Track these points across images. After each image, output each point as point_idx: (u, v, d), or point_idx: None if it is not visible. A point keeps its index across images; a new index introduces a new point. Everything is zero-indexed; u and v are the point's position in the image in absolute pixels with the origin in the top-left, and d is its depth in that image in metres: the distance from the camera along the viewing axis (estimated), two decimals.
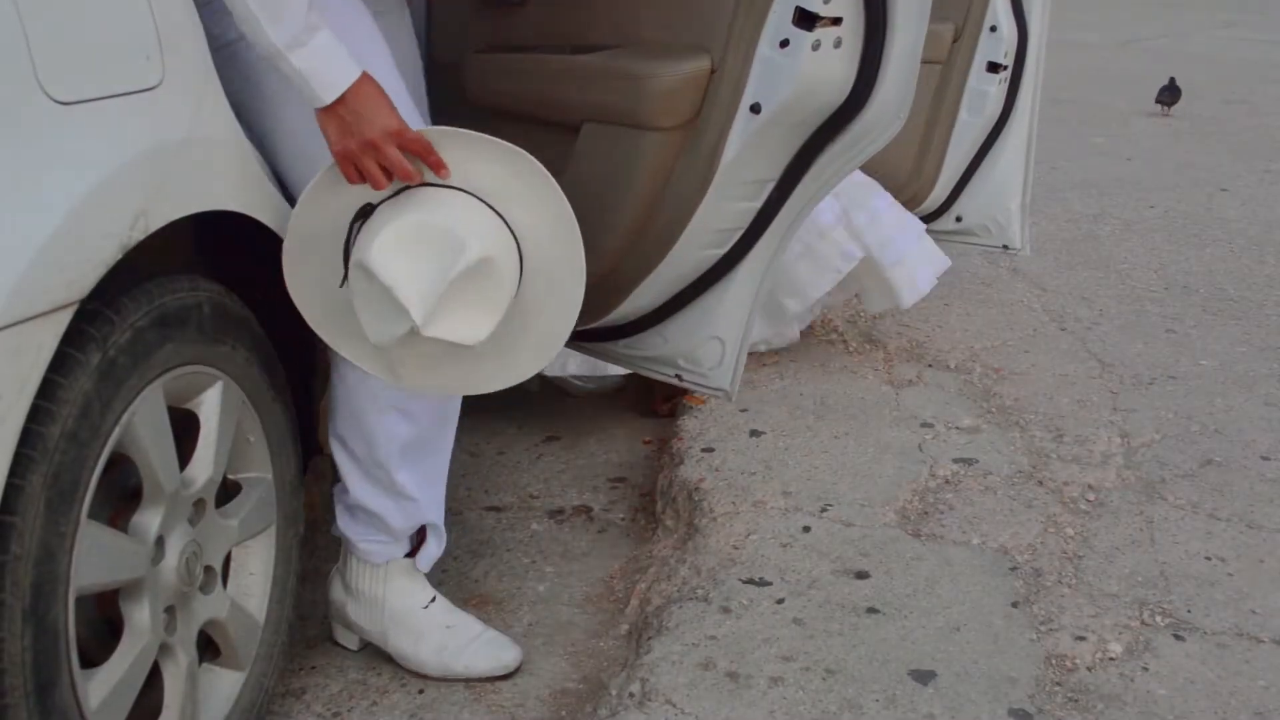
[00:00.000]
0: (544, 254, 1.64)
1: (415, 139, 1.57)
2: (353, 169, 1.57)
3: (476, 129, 1.61)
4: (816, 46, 1.77)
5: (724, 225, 1.98)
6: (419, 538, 1.97)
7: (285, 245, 1.63)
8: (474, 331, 1.58)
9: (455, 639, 1.95)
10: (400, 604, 1.94)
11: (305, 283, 1.66)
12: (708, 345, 2.09)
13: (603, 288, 2.04)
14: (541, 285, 1.65)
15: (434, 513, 1.94)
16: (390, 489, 1.86)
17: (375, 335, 1.57)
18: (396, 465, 1.84)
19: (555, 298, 1.66)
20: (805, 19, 1.77)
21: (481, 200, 1.61)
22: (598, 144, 1.91)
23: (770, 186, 1.95)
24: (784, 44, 1.79)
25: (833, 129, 1.85)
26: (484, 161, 1.60)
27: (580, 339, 2.23)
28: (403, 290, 1.52)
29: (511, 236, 1.62)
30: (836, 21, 1.76)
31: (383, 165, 1.56)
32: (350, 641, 2.02)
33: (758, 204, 1.96)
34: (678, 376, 2.17)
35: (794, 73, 1.79)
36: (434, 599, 1.97)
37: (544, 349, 1.71)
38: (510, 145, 1.60)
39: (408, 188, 1.60)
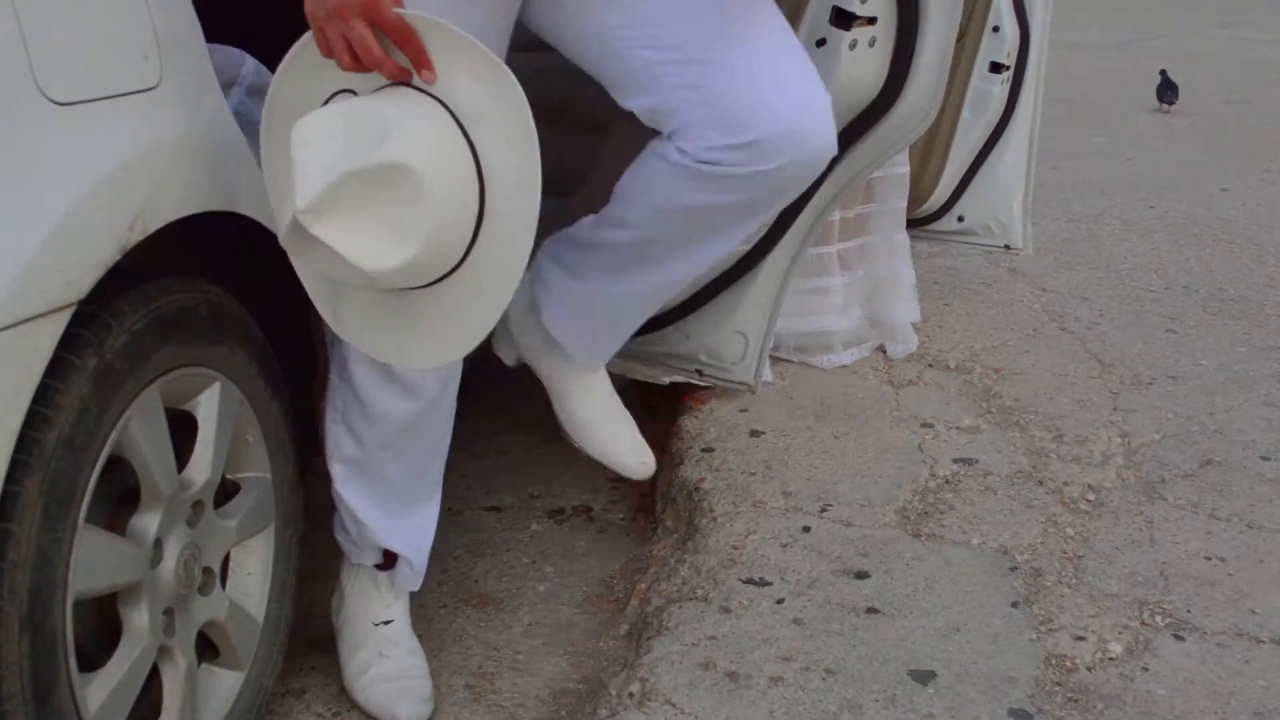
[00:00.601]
0: (508, 208, 1.40)
1: (393, 20, 1.36)
2: (323, 38, 1.40)
3: None
4: (853, 46, 1.79)
5: None
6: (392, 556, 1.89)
7: (262, 125, 1.48)
8: (372, 255, 1.32)
9: (379, 669, 1.85)
10: (356, 608, 1.91)
11: (278, 173, 1.47)
12: (731, 340, 2.10)
13: None
14: (497, 247, 1.41)
15: (397, 542, 1.86)
16: (338, 498, 1.84)
17: (282, 228, 1.37)
18: (340, 478, 1.81)
19: (503, 262, 1.42)
20: (842, 19, 1.78)
21: (457, 122, 1.38)
22: (631, 142, 1.92)
23: None
24: (821, 43, 1.81)
25: (863, 125, 1.86)
26: (473, 78, 1.38)
27: None
28: (299, 169, 1.31)
29: (476, 175, 1.39)
30: (871, 21, 1.78)
31: (351, 42, 1.37)
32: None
33: None
34: (698, 372, 2.17)
35: (831, 72, 1.80)
36: (390, 622, 1.90)
37: (482, 321, 1.46)
38: (504, 66, 1.39)
39: (397, 84, 1.41)
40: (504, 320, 1.84)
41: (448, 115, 1.38)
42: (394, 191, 1.31)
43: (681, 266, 1.79)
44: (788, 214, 1.99)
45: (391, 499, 1.83)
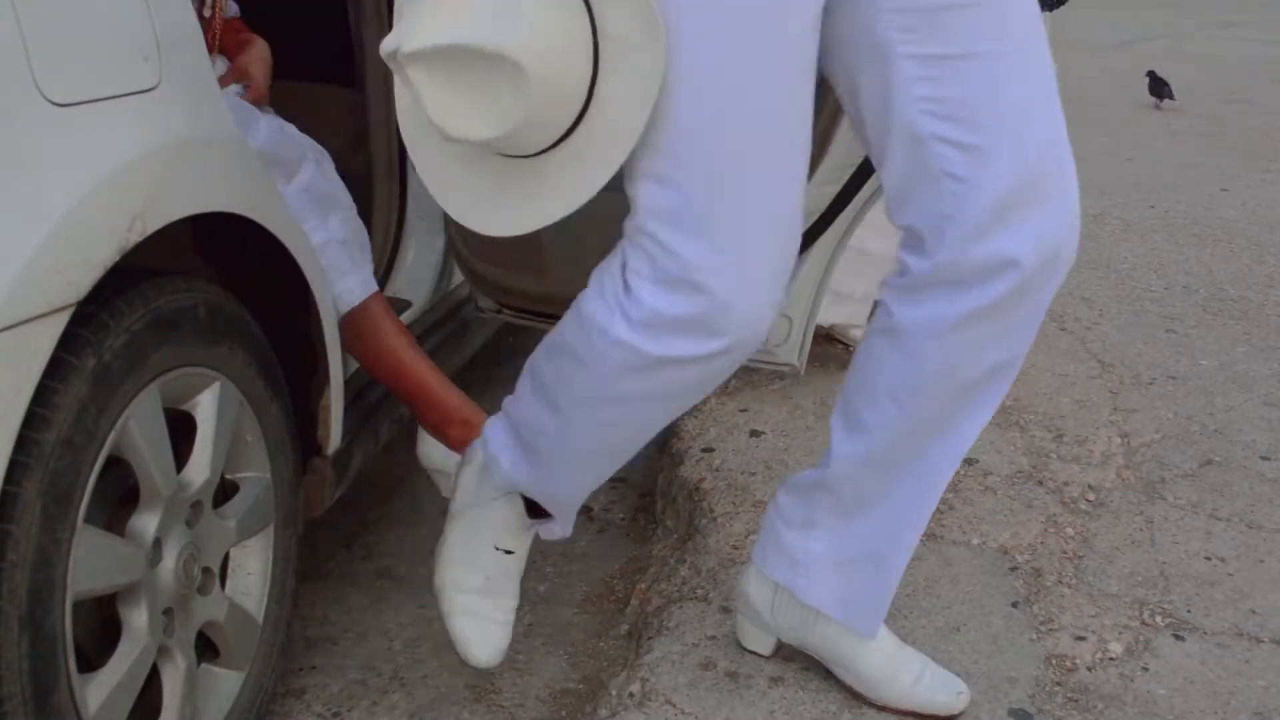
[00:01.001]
0: (607, 124, 1.38)
1: None
2: None
3: None
4: None
5: (809, 208, 2.01)
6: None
7: None
8: (452, 119, 1.33)
9: (475, 598, 1.75)
10: (486, 522, 1.76)
11: None
12: (776, 323, 2.12)
13: None
14: (572, 164, 1.41)
15: (558, 510, 1.73)
16: (509, 432, 1.71)
17: (387, 41, 1.35)
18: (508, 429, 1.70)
19: (585, 168, 1.41)
20: None
21: (594, 32, 1.36)
22: None
23: (851, 170, 2.00)
24: None
25: None
26: (631, 7, 1.34)
27: None
28: (426, 5, 1.30)
29: (588, 90, 1.36)
30: None
31: None
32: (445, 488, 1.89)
33: (837, 187, 2.00)
34: None
35: None
36: (512, 553, 1.76)
37: (539, 212, 1.45)
38: (658, 16, 1.34)
39: None
40: (750, 614, 1.80)
41: (587, 20, 1.35)
42: (498, 80, 1.31)
43: (951, 447, 1.62)
44: (838, 202, 2.02)
45: (556, 467, 1.70)
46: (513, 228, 1.47)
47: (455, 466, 1.97)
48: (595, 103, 1.37)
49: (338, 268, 1.89)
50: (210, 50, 1.98)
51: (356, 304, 1.92)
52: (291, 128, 1.99)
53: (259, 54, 2.10)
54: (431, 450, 2.07)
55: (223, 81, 2.02)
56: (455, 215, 1.52)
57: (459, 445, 1.99)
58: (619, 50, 1.35)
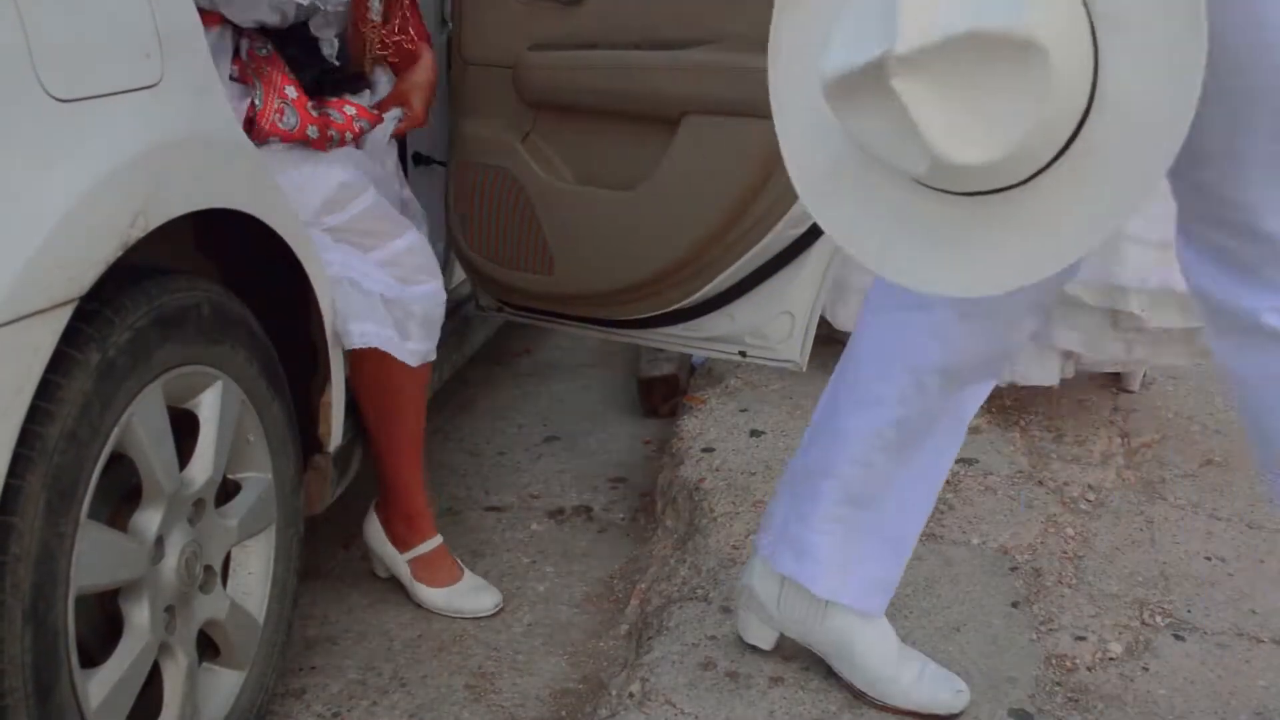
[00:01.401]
0: (1129, 126, 1.08)
1: None
2: None
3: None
4: None
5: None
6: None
7: None
8: (952, 140, 1.05)
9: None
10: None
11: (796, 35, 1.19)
12: (777, 320, 2.13)
13: (692, 272, 2.07)
14: (1113, 132, 1.09)
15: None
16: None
17: (835, 61, 1.08)
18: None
19: (1125, 156, 1.09)
20: None
21: (1087, 11, 1.08)
22: (702, 135, 1.93)
23: None
24: None
25: None
26: None
27: (639, 326, 2.26)
28: (906, 4, 1.03)
29: (1089, 88, 1.09)
30: None
31: None
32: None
33: None
34: (741, 353, 2.21)
35: None
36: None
37: (1083, 234, 1.13)
38: None
39: None
40: (755, 607, 1.80)
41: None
42: (1013, 76, 1.04)
43: (963, 420, 1.63)
44: None
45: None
46: (998, 283, 1.21)
47: (388, 555, 2.11)
48: (1100, 104, 1.09)
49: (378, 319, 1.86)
50: (366, 50, 1.85)
51: (369, 346, 1.87)
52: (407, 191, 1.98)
53: (424, 76, 1.94)
54: (374, 532, 2.13)
55: (384, 105, 1.92)
56: (914, 283, 1.25)
57: (397, 541, 2.10)
58: (1127, 27, 1.07)
